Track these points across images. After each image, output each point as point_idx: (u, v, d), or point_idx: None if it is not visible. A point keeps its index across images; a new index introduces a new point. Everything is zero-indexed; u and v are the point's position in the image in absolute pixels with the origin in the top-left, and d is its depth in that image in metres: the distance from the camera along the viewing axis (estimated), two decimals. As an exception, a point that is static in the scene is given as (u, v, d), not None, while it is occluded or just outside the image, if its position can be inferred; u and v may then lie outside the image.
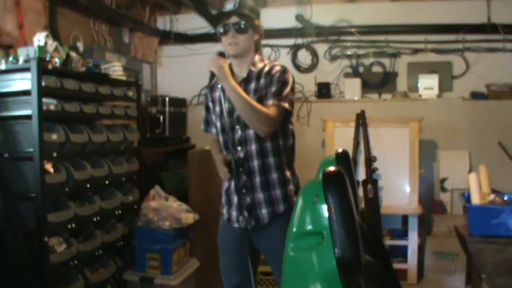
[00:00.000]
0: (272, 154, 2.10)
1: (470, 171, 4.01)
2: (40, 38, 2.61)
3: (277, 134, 2.11)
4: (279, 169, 2.12)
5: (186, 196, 3.63)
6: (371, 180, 3.92)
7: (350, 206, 1.10)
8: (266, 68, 2.14)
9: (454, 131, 4.39)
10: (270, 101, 2.03)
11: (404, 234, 4.03)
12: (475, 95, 4.42)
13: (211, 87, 2.26)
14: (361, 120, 4.05)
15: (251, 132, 2.07)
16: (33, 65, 2.50)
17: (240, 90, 2.00)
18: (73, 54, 2.86)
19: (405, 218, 4.11)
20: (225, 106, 2.11)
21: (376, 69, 4.69)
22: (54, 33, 3.30)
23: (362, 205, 3.81)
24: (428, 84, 4.43)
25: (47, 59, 2.61)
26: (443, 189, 4.33)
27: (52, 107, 2.63)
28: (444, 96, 4.50)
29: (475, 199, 2.56)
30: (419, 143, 4.00)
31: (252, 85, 2.10)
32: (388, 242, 4.01)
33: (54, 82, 2.63)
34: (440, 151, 4.44)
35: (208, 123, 2.29)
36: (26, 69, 2.53)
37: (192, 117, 4.88)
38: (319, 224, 1.12)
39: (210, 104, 2.26)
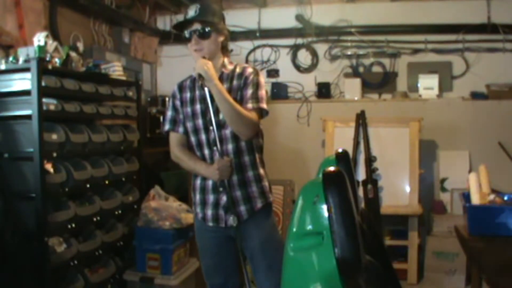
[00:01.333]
0: (247, 153, 2.17)
1: (470, 171, 4.01)
2: (40, 38, 2.62)
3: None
4: (254, 166, 2.18)
5: (186, 196, 3.63)
6: (371, 180, 3.92)
7: (350, 206, 1.10)
8: (238, 70, 2.19)
9: (454, 131, 4.38)
10: (250, 105, 2.10)
11: (404, 234, 4.03)
12: (475, 95, 4.42)
13: (180, 87, 2.29)
14: (361, 120, 4.05)
15: (227, 132, 2.13)
16: (33, 65, 2.50)
17: (226, 93, 2.05)
18: (73, 54, 2.86)
19: (405, 218, 4.11)
20: (199, 107, 2.17)
21: (376, 69, 4.69)
22: (54, 33, 3.30)
23: (362, 205, 3.81)
24: (428, 84, 4.43)
25: (47, 59, 2.61)
26: (443, 189, 4.32)
27: (52, 107, 2.63)
28: (444, 96, 4.50)
29: (475, 199, 2.56)
30: (419, 143, 4.00)
31: (225, 86, 2.14)
32: (388, 242, 4.00)
33: (54, 82, 2.63)
34: (440, 151, 4.43)
35: (175, 122, 2.27)
36: (26, 69, 2.53)
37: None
38: (319, 224, 1.12)
39: (178, 103, 2.26)
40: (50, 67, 2.61)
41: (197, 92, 2.21)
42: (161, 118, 4.27)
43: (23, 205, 2.55)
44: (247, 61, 4.88)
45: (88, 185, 2.91)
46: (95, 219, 2.96)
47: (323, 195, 1.11)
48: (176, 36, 4.96)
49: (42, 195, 2.51)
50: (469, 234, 2.49)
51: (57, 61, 2.68)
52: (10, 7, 3.02)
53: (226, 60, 2.23)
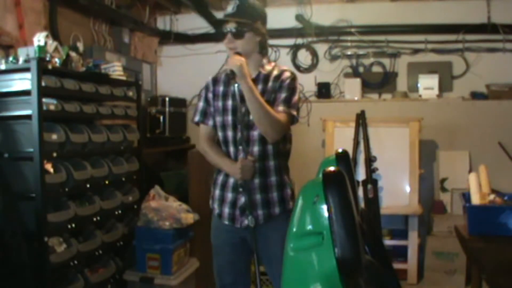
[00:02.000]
0: (272, 158, 2.12)
1: (470, 171, 4.00)
2: (40, 38, 2.61)
3: (282, 139, 2.12)
4: (278, 172, 2.14)
5: (186, 196, 3.63)
6: (371, 180, 3.92)
7: (350, 206, 1.10)
8: (275, 72, 2.14)
9: (454, 131, 4.39)
10: (281, 108, 2.05)
11: (404, 234, 4.03)
12: (475, 95, 4.42)
13: (214, 80, 2.24)
14: (361, 120, 4.05)
15: (254, 133, 2.09)
16: (33, 65, 2.50)
17: (257, 92, 2.00)
18: (73, 54, 2.86)
19: (405, 218, 4.11)
20: (231, 103, 2.12)
21: (376, 69, 4.69)
22: (54, 33, 3.30)
23: (362, 205, 3.81)
24: (428, 84, 4.44)
25: (47, 59, 2.61)
26: (443, 189, 4.33)
27: (52, 107, 2.63)
28: (444, 96, 4.50)
29: (475, 199, 2.56)
30: (419, 143, 4.00)
31: (260, 87, 2.10)
32: (388, 242, 4.01)
33: (54, 82, 2.63)
34: (440, 151, 4.44)
35: (205, 114, 2.23)
36: (26, 69, 2.53)
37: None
38: (319, 224, 1.12)
39: (210, 96, 2.22)
40: (50, 67, 2.60)
41: (231, 88, 2.14)
42: (161, 118, 4.30)
43: (23, 205, 2.54)
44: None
45: (88, 185, 2.91)
46: (95, 219, 2.95)
47: (323, 195, 1.11)
48: (176, 36, 4.97)
49: (42, 195, 2.50)
50: (469, 234, 2.49)
51: (57, 61, 2.68)
52: (10, 7, 3.02)
53: (264, 60, 2.18)
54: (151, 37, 4.81)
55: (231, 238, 2.18)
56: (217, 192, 2.21)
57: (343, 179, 1.12)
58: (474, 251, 2.49)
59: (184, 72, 4.95)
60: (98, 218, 2.98)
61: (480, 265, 2.51)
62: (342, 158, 1.55)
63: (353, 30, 4.61)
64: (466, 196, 2.68)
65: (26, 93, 2.52)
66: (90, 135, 2.90)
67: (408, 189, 3.95)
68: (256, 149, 2.09)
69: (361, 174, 3.97)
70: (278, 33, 4.62)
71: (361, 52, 4.69)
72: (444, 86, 4.50)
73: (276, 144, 2.10)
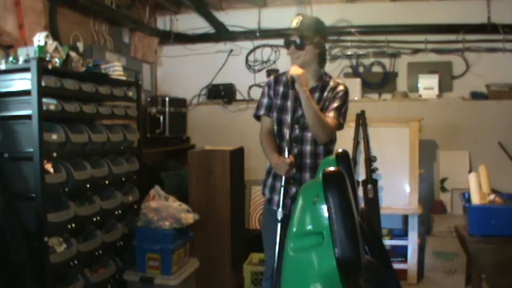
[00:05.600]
0: (322, 156, 2.41)
1: (470, 171, 4.01)
2: (40, 38, 2.61)
3: (330, 140, 2.42)
4: None
5: (186, 196, 3.63)
6: (371, 180, 3.92)
7: (350, 206, 1.10)
8: (331, 84, 2.46)
9: (454, 131, 4.39)
10: (331, 114, 2.36)
11: (404, 234, 4.03)
12: (475, 95, 4.42)
13: (276, 80, 2.53)
14: (361, 120, 4.05)
15: (308, 134, 2.39)
16: (33, 65, 2.50)
17: (312, 100, 2.30)
18: (73, 54, 2.86)
19: (405, 218, 4.11)
20: (290, 104, 2.37)
21: (376, 69, 4.69)
22: (54, 33, 3.30)
23: (362, 205, 3.81)
24: (428, 84, 4.43)
25: (47, 59, 2.61)
26: (443, 189, 4.33)
27: (52, 107, 2.63)
28: (444, 96, 4.50)
29: (475, 199, 2.56)
30: (419, 143, 4.00)
31: (317, 95, 2.41)
32: (388, 242, 4.01)
33: (54, 82, 2.63)
34: (440, 151, 4.44)
35: (270, 108, 2.50)
36: (26, 69, 2.53)
37: (192, 117, 4.89)
38: (319, 224, 1.12)
39: (272, 93, 2.51)
40: (50, 67, 2.60)
41: (290, 90, 2.38)
42: (161, 118, 4.31)
43: (23, 205, 2.54)
44: (247, 60, 4.88)
45: (88, 185, 2.91)
46: (95, 219, 2.95)
47: (323, 195, 1.11)
48: (176, 36, 4.97)
49: (42, 195, 2.50)
50: (469, 234, 2.49)
51: (57, 61, 2.68)
52: (10, 7, 3.02)
53: (323, 71, 2.50)
54: (151, 37, 4.81)
55: (277, 221, 2.35)
56: (269, 180, 2.51)
57: (343, 179, 1.12)
58: (474, 251, 2.49)
59: (184, 72, 4.96)
60: (98, 218, 2.98)
61: (480, 265, 2.51)
62: (342, 158, 1.55)
63: (353, 30, 4.61)
64: (466, 196, 2.68)
65: (26, 93, 2.52)
66: (90, 135, 2.90)
67: (408, 189, 3.95)
68: (308, 148, 2.40)
69: (361, 174, 3.97)
70: (278, 33, 4.62)
71: (361, 52, 4.69)
72: (444, 86, 4.50)
73: (325, 144, 2.41)
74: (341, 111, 2.39)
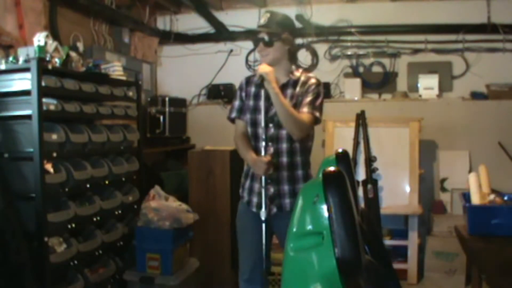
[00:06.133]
0: (299, 154, 2.39)
1: (470, 171, 4.00)
2: (40, 38, 2.61)
3: (306, 137, 2.38)
4: (304, 166, 2.41)
5: (186, 196, 3.63)
6: (371, 180, 3.92)
7: (350, 206, 1.10)
8: (303, 78, 2.40)
9: (454, 131, 4.38)
10: (305, 109, 2.31)
11: (404, 234, 4.03)
12: (475, 95, 4.42)
13: (247, 81, 2.50)
14: (361, 120, 4.05)
15: (283, 132, 2.34)
16: (33, 65, 2.50)
17: (282, 97, 2.26)
18: (73, 54, 2.86)
19: (405, 218, 4.11)
20: (263, 103, 2.33)
21: (376, 69, 4.69)
22: (54, 33, 3.30)
23: (362, 205, 3.81)
24: (428, 84, 4.43)
25: (47, 59, 2.61)
26: (443, 189, 4.33)
27: (52, 107, 2.63)
28: (444, 96, 4.50)
29: (475, 199, 2.56)
30: (419, 143, 4.00)
31: (289, 91, 2.37)
32: (388, 242, 4.00)
33: (54, 82, 2.63)
34: (440, 151, 4.44)
35: (242, 111, 2.47)
36: (26, 69, 2.53)
37: (192, 117, 4.89)
38: (319, 224, 1.12)
39: (243, 95, 2.48)
40: (50, 67, 2.60)
41: (262, 90, 2.36)
42: (161, 118, 4.31)
43: (23, 205, 2.54)
44: (247, 60, 4.88)
45: (88, 185, 2.91)
46: (95, 219, 2.95)
47: (323, 195, 1.11)
48: (176, 36, 4.97)
49: (42, 195, 2.51)
50: (469, 234, 2.49)
51: (57, 61, 2.68)
52: (10, 7, 3.02)
53: (293, 67, 2.43)
54: (151, 37, 4.81)
55: (257, 223, 2.34)
56: (247, 182, 2.47)
57: (343, 179, 1.12)
58: (474, 251, 2.49)
59: (184, 72, 4.96)
60: (98, 218, 2.98)
61: (480, 265, 2.51)
62: (342, 158, 1.55)
63: (353, 30, 4.61)
64: (466, 196, 2.68)
65: (26, 93, 2.53)
66: (90, 135, 2.90)
67: (408, 189, 3.95)
68: (284, 145, 2.35)
69: (361, 174, 3.97)
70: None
71: (361, 52, 4.69)
72: (444, 86, 4.49)
73: (301, 141, 2.36)
74: (315, 105, 2.33)
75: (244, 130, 2.46)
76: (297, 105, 2.32)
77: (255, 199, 2.40)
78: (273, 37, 2.32)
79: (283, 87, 2.35)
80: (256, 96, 2.41)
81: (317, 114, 2.34)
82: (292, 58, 2.44)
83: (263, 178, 2.29)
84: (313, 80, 2.38)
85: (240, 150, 2.45)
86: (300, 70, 2.45)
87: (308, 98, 2.33)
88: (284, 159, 2.35)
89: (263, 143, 2.31)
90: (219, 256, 3.57)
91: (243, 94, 2.48)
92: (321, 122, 2.41)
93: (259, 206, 2.35)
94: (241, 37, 4.81)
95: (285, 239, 2.30)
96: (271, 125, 2.34)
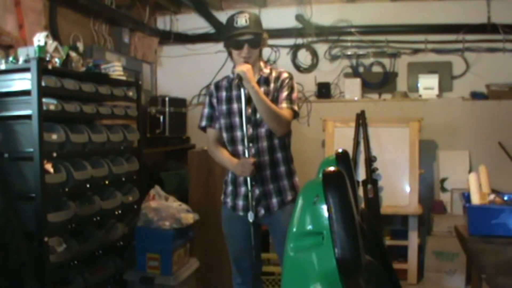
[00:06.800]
0: (279, 150, 2.37)
1: (470, 171, 4.00)
2: (40, 38, 2.61)
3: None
4: (285, 162, 2.39)
5: (186, 196, 3.63)
6: (371, 180, 3.92)
7: (350, 206, 1.10)
8: (274, 74, 2.39)
9: (454, 131, 4.38)
10: (284, 105, 2.30)
11: (404, 234, 4.03)
12: (475, 95, 4.42)
13: (216, 86, 2.45)
14: (361, 120, 4.06)
15: (262, 130, 2.32)
16: (33, 65, 2.50)
17: (262, 94, 2.23)
18: (73, 54, 2.86)
19: (405, 218, 4.11)
20: (236, 106, 2.33)
21: (376, 69, 4.69)
22: (54, 33, 3.30)
23: (362, 205, 3.81)
24: (428, 84, 4.43)
25: (47, 59, 2.61)
26: (443, 189, 4.32)
27: (52, 107, 2.63)
28: (444, 96, 4.50)
29: (475, 199, 2.56)
30: (419, 143, 4.00)
31: (262, 88, 2.31)
32: (388, 242, 4.01)
33: (54, 82, 2.63)
34: (440, 151, 4.43)
35: (212, 118, 2.44)
36: (26, 69, 2.53)
37: (192, 117, 4.88)
38: (319, 224, 1.12)
39: (214, 101, 2.43)
40: (50, 67, 2.60)
41: (234, 92, 2.36)
42: (161, 118, 4.30)
43: (23, 205, 2.54)
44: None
45: (88, 185, 2.91)
46: (95, 219, 2.95)
47: (323, 195, 1.11)
48: (176, 36, 4.97)
49: (42, 195, 2.50)
50: (469, 234, 2.49)
51: (57, 61, 2.68)
52: (10, 7, 3.01)
53: (262, 63, 2.41)
54: (151, 37, 4.81)
55: (246, 225, 2.34)
56: (230, 188, 2.44)
57: (343, 179, 1.12)
58: (474, 251, 2.49)
59: (184, 72, 4.96)
60: (98, 218, 2.98)
61: (480, 265, 2.51)
62: (342, 158, 1.55)
63: (353, 30, 4.61)
64: (466, 196, 2.68)
65: (26, 93, 2.52)
66: (90, 135, 2.90)
67: (408, 189, 3.95)
68: (264, 144, 2.33)
69: (361, 174, 3.97)
70: (278, 33, 4.62)
71: (361, 52, 4.69)
72: (444, 86, 4.49)
73: (282, 138, 2.35)
74: (292, 99, 2.32)
75: (217, 138, 2.43)
76: (273, 101, 2.28)
77: (240, 203, 2.38)
78: (259, 38, 2.31)
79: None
80: (229, 100, 2.37)
81: (296, 108, 2.33)
82: (260, 54, 2.42)
83: (248, 180, 2.27)
84: (285, 75, 2.37)
85: (218, 158, 2.42)
86: (269, 66, 2.43)
87: (284, 93, 2.31)
88: (266, 158, 2.33)
89: (245, 144, 2.27)
90: (219, 256, 3.56)
91: (214, 100, 2.43)
92: (299, 115, 2.41)
93: (245, 209, 2.34)
94: (241, 37, 4.80)
95: (278, 241, 2.31)
96: (248, 125, 2.30)
